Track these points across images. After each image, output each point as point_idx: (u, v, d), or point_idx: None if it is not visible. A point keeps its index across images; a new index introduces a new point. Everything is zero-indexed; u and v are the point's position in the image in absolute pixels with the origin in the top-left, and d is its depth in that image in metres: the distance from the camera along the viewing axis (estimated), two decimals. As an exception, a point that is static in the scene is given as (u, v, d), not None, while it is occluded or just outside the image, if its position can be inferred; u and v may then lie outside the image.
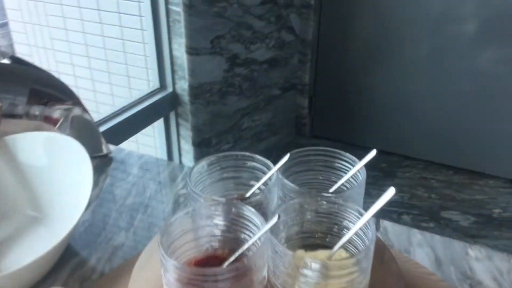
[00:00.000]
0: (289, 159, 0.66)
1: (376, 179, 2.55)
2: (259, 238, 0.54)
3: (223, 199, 0.61)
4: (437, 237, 0.85)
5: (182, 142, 2.19)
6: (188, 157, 2.20)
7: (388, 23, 2.57)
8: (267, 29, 2.37)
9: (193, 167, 0.67)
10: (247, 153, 0.69)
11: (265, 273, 0.55)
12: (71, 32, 2.29)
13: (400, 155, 2.80)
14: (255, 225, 0.58)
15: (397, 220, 2.37)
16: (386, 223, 0.87)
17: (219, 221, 0.60)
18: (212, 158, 0.69)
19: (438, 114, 2.66)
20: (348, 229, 0.60)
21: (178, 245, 0.59)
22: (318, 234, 0.63)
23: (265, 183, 0.65)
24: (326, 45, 2.73)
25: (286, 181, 0.63)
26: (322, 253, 0.62)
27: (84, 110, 1.04)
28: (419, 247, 0.82)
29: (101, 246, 0.84)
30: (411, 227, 0.88)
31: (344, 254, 0.59)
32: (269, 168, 0.67)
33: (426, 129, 2.73)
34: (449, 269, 0.78)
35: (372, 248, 0.52)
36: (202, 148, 2.19)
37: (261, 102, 2.48)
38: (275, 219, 0.52)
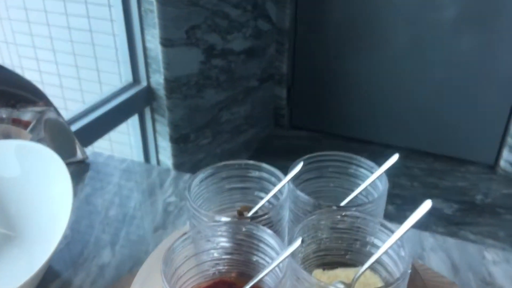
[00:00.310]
0: (296, 164, 0.59)
1: (358, 169, 2.51)
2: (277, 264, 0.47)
3: (230, 219, 0.53)
4: (450, 240, 0.79)
5: (159, 139, 2.09)
6: (165, 155, 2.10)
7: (366, 11, 2.52)
8: (244, 18, 2.28)
9: (192, 179, 0.59)
10: (251, 162, 0.61)
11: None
12: (34, 25, 2.14)
13: (381, 144, 2.77)
14: (269, 246, 0.50)
15: (381, 211, 2.34)
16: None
17: (226, 242, 0.53)
18: (212, 168, 0.61)
19: (418, 101, 2.64)
20: (373, 245, 0.54)
21: (181, 273, 0.51)
22: (336, 251, 0.56)
23: (274, 195, 0.58)
24: (303, 33, 2.66)
25: (300, 193, 0.56)
26: (342, 272, 0.55)
27: (58, 113, 0.94)
28: (433, 252, 0.77)
29: (84, 266, 0.75)
30: (421, 230, 0.82)
31: (370, 275, 0.53)
32: (276, 177, 0.60)
33: (406, 117, 2.71)
34: (467, 275, 0.73)
35: (408, 272, 0.46)
36: (180, 144, 2.09)
37: (239, 94, 2.40)
38: (298, 243, 0.45)
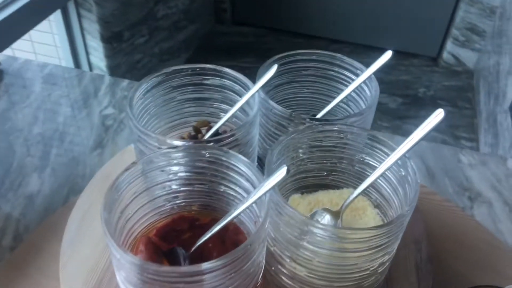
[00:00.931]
0: (268, 67, 0.47)
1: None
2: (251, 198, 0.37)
3: (186, 142, 0.42)
4: (424, 144, 0.73)
5: (88, 37, 1.85)
6: (97, 56, 1.88)
7: None
8: None
9: (134, 91, 0.45)
10: (210, 66, 0.48)
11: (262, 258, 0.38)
12: None
13: (327, 38, 2.66)
14: (242, 175, 0.40)
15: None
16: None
17: (184, 172, 0.42)
18: (158, 76, 0.47)
19: (365, -7, 2.51)
20: (362, 163, 0.45)
21: (130, 213, 0.40)
22: (317, 172, 0.47)
23: (240, 108, 0.46)
24: None
25: (274, 104, 0.45)
26: (324, 196, 0.47)
27: None
28: (407, 159, 0.70)
29: (7, 197, 0.62)
30: (392, 134, 0.75)
31: (358, 198, 0.44)
32: (242, 85, 0.48)
33: (352, 10, 2.59)
34: (444, 181, 0.67)
35: (416, 200, 0.37)
36: (113, 44, 1.87)
37: (175, -15, 2.15)
38: (283, 173, 0.34)
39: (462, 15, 2.19)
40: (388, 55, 0.46)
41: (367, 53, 2.68)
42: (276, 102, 0.52)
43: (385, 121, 2.39)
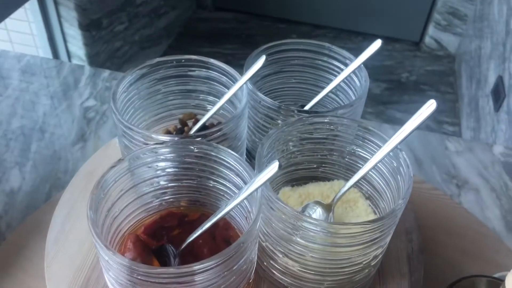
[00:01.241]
0: (256, 58, 0.46)
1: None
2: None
3: (173, 136, 0.40)
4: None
5: (66, 25, 1.80)
6: (76, 44, 1.84)
7: None
8: None
9: (118, 84, 0.44)
10: (195, 57, 0.47)
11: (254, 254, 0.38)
12: None
13: (311, 24, 2.65)
14: (232, 170, 0.39)
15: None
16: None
17: (172, 168, 0.41)
18: (142, 68, 0.46)
19: (347, -23, 2.49)
20: (352, 155, 0.44)
21: (117, 211, 0.39)
22: (307, 165, 0.46)
23: (228, 100, 0.45)
24: None
25: (263, 96, 0.44)
26: (315, 188, 0.46)
27: None
28: (394, 147, 0.70)
29: (-12, 194, 0.60)
30: (378, 122, 0.75)
31: (353, 190, 0.44)
32: (229, 77, 0.46)
33: (335, -6, 2.58)
34: (431, 169, 0.67)
35: (409, 194, 0.37)
36: (91, 31, 1.83)
37: (155, -30, 2.10)
38: (275, 168, 0.33)
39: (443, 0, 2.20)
40: (377, 44, 0.46)
41: (350, 38, 2.67)
42: (264, 93, 0.51)
43: (369, 107, 2.40)
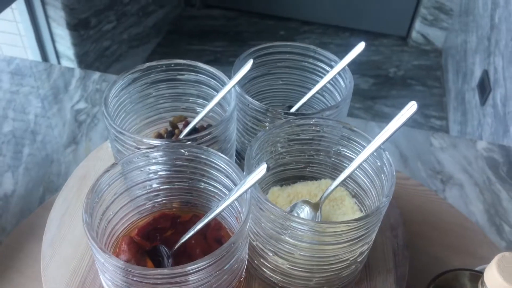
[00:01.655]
0: (244, 61, 0.47)
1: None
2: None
3: (164, 140, 0.42)
4: (397, 129, 0.74)
5: (53, 25, 1.80)
6: (64, 44, 1.83)
7: None
8: None
9: (109, 89, 0.45)
10: (184, 61, 0.48)
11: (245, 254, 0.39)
12: None
13: (298, 20, 2.66)
14: (222, 172, 0.40)
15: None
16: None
17: (164, 171, 0.42)
18: (132, 73, 0.47)
19: (334, -27, 2.51)
20: (338, 155, 0.46)
21: (111, 214, 0.40)
22: (295, 165, 0.47)
23: (217, 103, 0.46)
24: None
25: (251, 99, 0.45)
26: (303, 187, 0.47)
27: None
28: (381, 144, 0.72)
29: (-19, 198, 0.61)
30: (366, 120, 0.76)
31: (340, 189, 0.45)
32: (217, 80, 0.48)
33: (322, -10, 2.59)
34: (417, 165, 0.69)
35: (392, 192, 0.38)
36: (80, 31, 1.82)
37: (142, -32, 2.10)
38: (263, 170, 0.35)
39: (430, -6, 2.22)
40: (361, 46, 0.47)
41: (337, 34, 2.69)
42: (252, 95, 0.52)
43: (357, 102, 2.42)
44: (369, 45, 2.65)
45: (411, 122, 2.15)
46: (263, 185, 0.46)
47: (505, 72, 1.36)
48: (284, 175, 0.47)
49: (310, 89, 0.50)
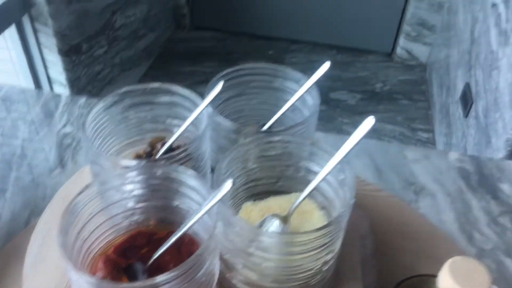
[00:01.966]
0: (215, 84, 0.50)
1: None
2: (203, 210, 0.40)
3: (140, 161, 0.44)
4: (372, 143, 0.77)
5: (45, 51, 1.83)
6: (56, 69, 1.86)
7: None
8: None
9: (88, 113, 0.47)
10: (158, 85, 0.50)
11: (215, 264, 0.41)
12: None
13: (287, 39, 2.71)
14: (192, 189, 0.42)
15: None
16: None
17: (139, 189, 0.44)
18: (111, 97, 0.50)
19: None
20: (307, 170, 0.48)
21: (87, 234, 0.42)
22: (266, 180, 0.50)
23: (191, 123, 0.49)
24: None
25: (221, 118, 0.48)
26: (274, 202, 0.50)
27: None
28: (357, 158, 0.74)
29: (-31, 222, 0.63)
30: (341, 134, 0.79)
31: (305, 201, 0.48)
32: (191, 102, 0.50)
33: (309, 11, 2.65)
34: (391, 177, 0.72)
35: (352, 202, 0.41)
36: (71, 56, 1.86)
37: (132, -7, 2.14)
38: (228, 186, 0.37)
39: (412, 11, 2.27)
40: (326, 66, 0.50)
41: (325, 51, 2.74)
42: (227, 115, 0.55)
43: (345, 118, 2.45)
44: (356, 61, 2.70)
45: (398, 135, 2.18)
46: (236, 200, 0.48)
47: (485, 85, 1.39)
48: (257, 190, 0.50)
49: (281, 107, 0.53)
